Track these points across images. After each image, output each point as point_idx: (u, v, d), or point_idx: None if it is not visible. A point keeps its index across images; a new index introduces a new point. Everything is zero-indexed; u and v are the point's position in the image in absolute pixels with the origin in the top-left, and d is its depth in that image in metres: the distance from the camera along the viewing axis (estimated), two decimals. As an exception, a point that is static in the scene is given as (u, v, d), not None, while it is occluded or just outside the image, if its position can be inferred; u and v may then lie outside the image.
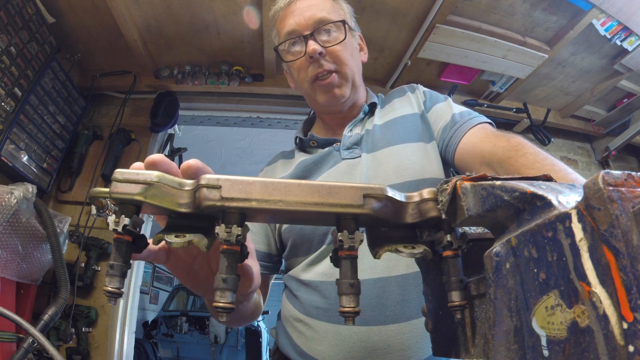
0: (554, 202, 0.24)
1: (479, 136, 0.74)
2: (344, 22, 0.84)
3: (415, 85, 0.97)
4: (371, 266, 0.71)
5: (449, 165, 0.82)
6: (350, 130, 0.88)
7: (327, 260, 0.74)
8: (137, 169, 0.34)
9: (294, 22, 0.83)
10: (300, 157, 0.90)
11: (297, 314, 0.77)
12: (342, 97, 0.84)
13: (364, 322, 0.68)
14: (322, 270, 0.75)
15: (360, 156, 0.82)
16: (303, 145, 0.93)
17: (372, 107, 0.92)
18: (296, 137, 0.94)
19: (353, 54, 0.87)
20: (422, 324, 0.68)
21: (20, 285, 1.46)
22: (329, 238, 0.75)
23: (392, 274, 0.71)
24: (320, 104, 0.87)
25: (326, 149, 0.88)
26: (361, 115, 0.90)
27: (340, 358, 0.68)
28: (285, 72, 0.97)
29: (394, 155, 0.80)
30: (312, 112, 1.04)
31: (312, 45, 0.80)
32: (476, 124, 0.77)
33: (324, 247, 0.76)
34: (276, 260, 0.89)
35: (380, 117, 0.90)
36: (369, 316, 0.68)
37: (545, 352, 0.23)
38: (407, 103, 0.91)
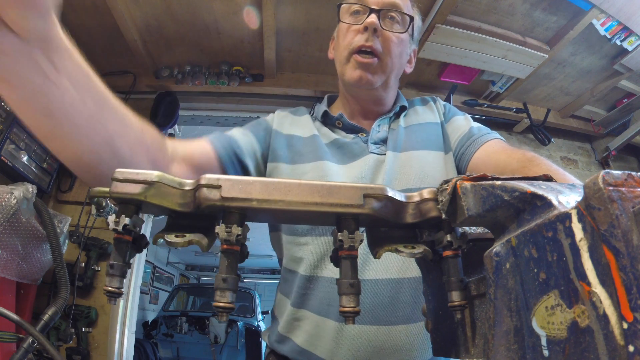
0: (554, 202, 0.24)
1: (495, 148, 0.77)
2: (412, 18, 0.85)
3: (435, 97, 0.99)
4: (385, 266, 0.71)
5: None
6: (379, 125, 0.88)
7: None
8: None
9: None
10: (330, 133, 0.88)
11: (298, 311, 0.75)
12: (369, 84, 0.83)
13: (374, 322, 0.68)
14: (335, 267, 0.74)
15: (385, 154, 0.82)
16: (326, 121, 0.91)
17: (402, 110, 0.93)
18: (323, 110, 0.91)
19: (402, 54, 0.87)
20: None
21: (20, 285, 1.47)
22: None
23: (406, 276, 0.71)
24: (347, 80, 0.85)
25: (352, 136, 0.87)
26: (391, 114, 0.90)
27: (348, 356, 0.68)
28: (331, 41, 0.96)
29: (416, 159, 0.81)
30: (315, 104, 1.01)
31: (373, 18, 0.80)
32: (493, 139, 0.80)
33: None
34: (237, 166, 0.78)
35: (404, 120, 0.91)
36: (380, 316, 0.68)
37: (545, 352, 0.23)
38: (429, 111, 0.93)
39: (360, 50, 0.81)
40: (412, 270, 0.71)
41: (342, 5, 0.87)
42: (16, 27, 0.35)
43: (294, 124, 0.90)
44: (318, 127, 0.89)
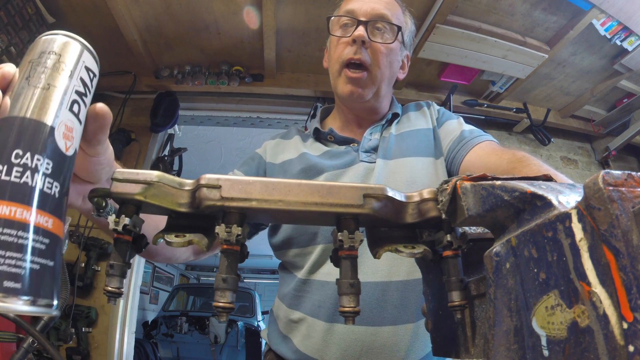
0: (554, 202, 0.24)
1: (486, 150, 0.78)
2: (400, 28, 0.85)
3: (430, 102, 1.00)
4: (373, 270, 0.73)
5: None
6: (370, 134, 0.89)
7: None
8: None
9: (357, 5, 0.85)
10: (322, 147, 0.91)
11: (293, 312, 0.78)
12: (361, 98, 0.85)
13: (362, 322, 0.70)
14: (328, 271, 0.76)
15: (375, 162, 0.84)
16: (319, 137, 0.93)
17: (394, 117, 0.94)
18: (314, 128, 0.94)
19: (393, 63, 0.87)
20: (417, 328, 0.70)
21: (20, 285, 1.46)
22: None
23: (393, 279, 0.73)
24: (340, 93, 0.87)
25: (343, 147, 0.89)
26: (383, 122, 0.91)
27: (338, 356, 0.70)
28: (326, 50, 0.98)
29: (406, 166, 0.82)
30: (317, 108, 1.03)
31: (361, 31, 0.81)
32: (484, 141, 0.80)
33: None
34: None
35: (396, 128, 0.92)
36: (368, 317, 0.70)
37: (545, 352, 0.23)
38: (422, 117, 0.94)
39: (349, 63, 0.83)
40: (400, 273, 0.73)
41: (332, 18, 0.89)
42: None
43: (285, 150, 0.92)
44: (310, 144, 0.92)
